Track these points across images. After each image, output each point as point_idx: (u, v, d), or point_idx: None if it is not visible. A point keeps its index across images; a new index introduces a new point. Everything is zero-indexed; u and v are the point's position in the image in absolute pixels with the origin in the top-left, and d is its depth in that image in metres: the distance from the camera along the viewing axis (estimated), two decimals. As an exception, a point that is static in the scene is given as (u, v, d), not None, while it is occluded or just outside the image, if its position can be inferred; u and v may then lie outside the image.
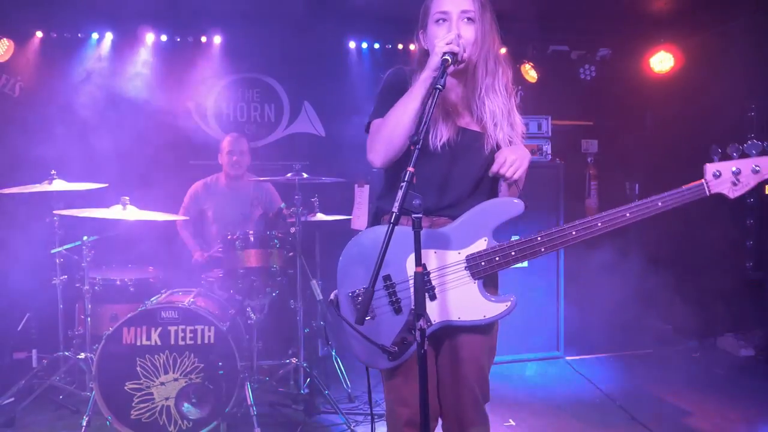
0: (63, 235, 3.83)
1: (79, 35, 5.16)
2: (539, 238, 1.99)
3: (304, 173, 3.83)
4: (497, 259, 1.99)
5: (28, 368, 4.02)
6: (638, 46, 5.80)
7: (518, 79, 5.98)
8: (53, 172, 3.80)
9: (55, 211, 3.77)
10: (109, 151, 4.71)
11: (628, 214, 1.99)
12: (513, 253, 1.99)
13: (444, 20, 2.02)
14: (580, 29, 5.64)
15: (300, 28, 5.30)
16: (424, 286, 1.81)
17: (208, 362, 3.36)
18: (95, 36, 5.17)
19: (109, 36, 5.18)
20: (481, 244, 2.00)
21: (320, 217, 4.20)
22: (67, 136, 4.85)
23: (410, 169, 1.74)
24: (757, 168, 1.98)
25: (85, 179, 3.92)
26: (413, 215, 1.76)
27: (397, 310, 2.00)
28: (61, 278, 3.85)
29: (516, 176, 2.00)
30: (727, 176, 1.99)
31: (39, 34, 5.07)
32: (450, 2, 2.01)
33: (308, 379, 3.84)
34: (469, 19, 2.01)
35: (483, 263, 1.99)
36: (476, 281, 2.00)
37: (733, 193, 2.00)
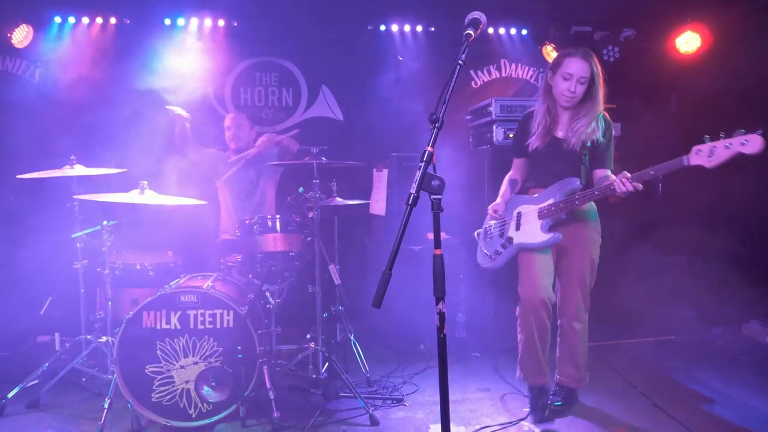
0: (83, 219, 3.86)
1: (98, 20, 5.17)
2: (577, 195, 3.19)
3: (322, 157, 3.80)
4: (552, 208, 3.26)
5: (51, 351, 4.07)
6: (664, 26, 5.65)
7: (540, 61, 5.88)
8: (73, 157, 3.82)
9: (74, 196, 3.79)
10: (128, 137, 4.72)
11: (635, 183, 2.97)
12: (561, 205, 3.22)
13: (567, 79, 3.23)
14: (604, 9, 5.51)
15: (317, 11, 5.25)
16: (443, 268, 1.78)
17: (227, 346, 3.37)
18: (113, 21, 5.18)
19: (126, 21, 5.18)
20: (549, 202, 3.29)
21: (338, 201, 4.17)
22: (86, 121, 4.87)
23: (429, 149, 1.71)
24: (729, 145, 2.69)
25: (104, 164, 3.94)
26: (432, 197, 1.73)
27: (501, 235, 3.50)
28: (82, 262, 3.88)
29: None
30: (705, 152, 2.75)
31: (57, 19, 5.09)
32: (574, 68, 3.22)
33: (327, 364, 3.84)
34: (582, 82, 3.23)
35: (545, 211, 3.29)
36: (540, 220, 3.30)
37: (709, 164, 2.75)
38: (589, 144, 3.29)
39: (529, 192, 3.50)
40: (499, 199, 3.54)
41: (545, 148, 3.35)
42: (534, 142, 3.37)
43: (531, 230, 3.34)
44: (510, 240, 3.42)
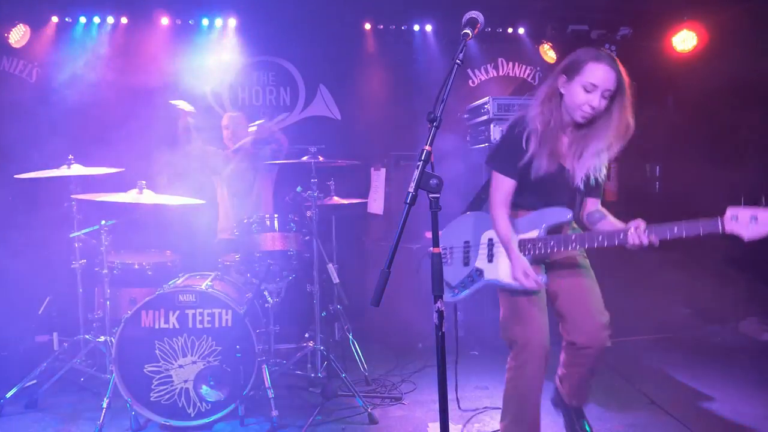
0: (81, 219, 3.85)
1: (95, 20, 5.16)
2: (573, 236, 2.57)
3: (320, 156, 3.80)
4: (540, 245, 2.60)
5: (49, 351, 4.07)
6: (660, 24, 5.66)
7: (537, 59, 5.89)
8: (71, 156, 3.82)
9: (72, 196, 3.79)
10: (126, 136, 4.72)
11: (652, 237, 2.42)
12: (552, 243, 2.58)
13: (589, 91, 2.50)
14: (601, 8, 5.52)
15: (315, 10, 5.25)
16: (441, 266, 1.79)
17: (226, 345, 3.38)
18: (110, 20, 5.18)
19: (123, 20, 5.18)
20: (533, 234, 2.63)
21: (336, 200, 4.18)
22: (83, 120, 4.87)
23: (427, 147, 1.71)
24: None
25: (102, 164, 3.94)
26: (430, 195, 1.73)
27: (466, 263, 2.82)
28: (80, 262, 3.88)
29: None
30: (743, 222, 2.28)
31: (54, 19, 5.09)
32: (601, 79, 2.48)
33: (325, 363, 3.85)
34: (605, 96, 2.51)
35: (529, 246, 2.62)
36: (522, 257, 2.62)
37: (748, 236, 2.29)
38: (593, 182, 2.66)
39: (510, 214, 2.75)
40: (515, 248, 2.60)
41: (551, 177, 2.62)
42: (542, 165, 2.58)
43: (509, 266, 2.65)
44: (479, 272, 2.77)
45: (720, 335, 4.99)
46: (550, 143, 2.58)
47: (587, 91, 2.49)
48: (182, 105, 4.32)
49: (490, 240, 2.77)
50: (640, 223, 2.44)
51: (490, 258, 2.75)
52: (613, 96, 2.52)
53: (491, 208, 2.70)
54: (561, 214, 2.63)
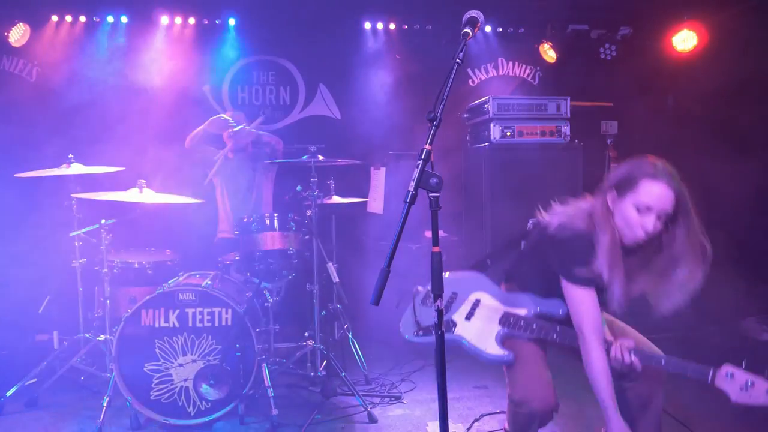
0: (81, 218, 3.86)
1: (95, 19, 5.17)
2: (558, 328, 2.46)
3: (319, 156, 3.80)
4: (521, 323, 2.52)
5: (49, 350, 4.07)
6: (661, 24, 5.67)
7: (537, 59, 5.89)
8: (71, 155, 3.82)
9: (72, 195, 3.80)
10: (126, 135, 4.73)
11: (633, 358, 2.30)
12: (534, 327, 2.49)
13: (642, 212, 2.23)
14: (600, 8, 5.52)
15: (315, 10, 5.26)
16: (441, 266, 1.78)
17: (226, 344, 3.38)
18: (110, 19, 5.18)
19: (123, 19, 5.19)
20: (520, 311, 2.56)
21: (336, 199, 4.18)
22: (83, 120, 4.87)
23: (427, 147, 1.71)
24: None
25: (102, 163, 3.94)
26: (430, 194, 1.74)
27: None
28: (80, 261, 3.88)
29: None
30: (738, 383, 2.12)
31: (54, 18, 5.09)
32: (656, 199, 2.20)
33: (325, 362, 3.85)
34: (662, 218, 2.24)
35: (511, 320, 2.54)
36: (500, 327, 2.55)
37: (735, 398, 2.12)
38: None
39: (503, 284, 2.72)
40: (617, 411, 2.26)
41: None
42: (615, 293, 2.27)
43: (482, 331, 2.57)
44: (452, 324, 2.65)
45: (720, 335, 4.99)
46: (618, 269, 2.26)
47: (639, 212, 2.22)
48: (228, 118, 4.41)
49: (477, 300, 2.67)
50: (625, 341, 2.29)
51: (469, 317, 2.65)
52: (674, 218, 2.24)
53: (584, 342, 2.30)
54: (556, 308, 2.51)
